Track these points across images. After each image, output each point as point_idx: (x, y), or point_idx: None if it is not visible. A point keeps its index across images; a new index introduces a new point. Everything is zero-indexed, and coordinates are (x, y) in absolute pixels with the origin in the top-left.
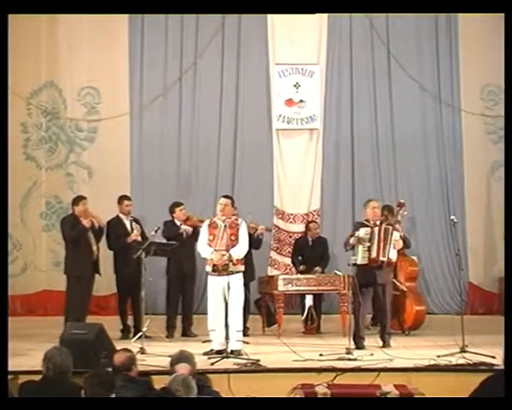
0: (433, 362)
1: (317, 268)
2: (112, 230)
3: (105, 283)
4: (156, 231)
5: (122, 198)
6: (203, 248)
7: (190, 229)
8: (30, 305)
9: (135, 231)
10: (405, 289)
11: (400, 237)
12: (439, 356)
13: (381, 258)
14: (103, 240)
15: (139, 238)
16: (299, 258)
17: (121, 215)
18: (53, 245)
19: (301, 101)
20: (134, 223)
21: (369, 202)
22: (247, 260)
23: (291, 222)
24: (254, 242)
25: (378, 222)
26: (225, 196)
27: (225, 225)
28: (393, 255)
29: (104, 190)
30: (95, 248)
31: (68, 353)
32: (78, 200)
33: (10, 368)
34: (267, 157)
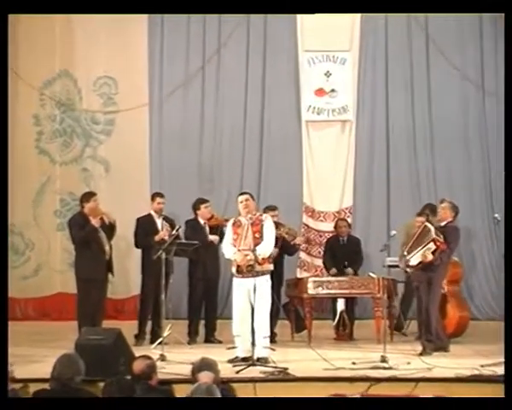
0: (476, 372)
1: (349, 269)
2: (140, 227)
3: (123, 285)
4: (177, 230)
5: (155, 195)
6: (227, 248)
7: (217, 239)
8: (44, 309)
9: (164, 230)
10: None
11: (439, 248)
12: (482, 366)
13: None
14: (129, 238)
15: (166, 237)
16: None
17: (153, 213)
18: (68, 245)
19: (332, 90)
20: (165, 221)
21: None
22: (278, 263)
23: (321, 220)
24: (290, 249)
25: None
26: (243, 193)
27: (249, 223)
28: (414, 261)
29: (122, 185)
30: (107, 247)
31: (73, 360)
32: (88, 196)
33: (24, 375)
34: (296, 151)
